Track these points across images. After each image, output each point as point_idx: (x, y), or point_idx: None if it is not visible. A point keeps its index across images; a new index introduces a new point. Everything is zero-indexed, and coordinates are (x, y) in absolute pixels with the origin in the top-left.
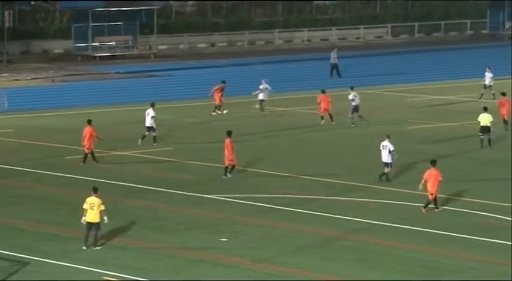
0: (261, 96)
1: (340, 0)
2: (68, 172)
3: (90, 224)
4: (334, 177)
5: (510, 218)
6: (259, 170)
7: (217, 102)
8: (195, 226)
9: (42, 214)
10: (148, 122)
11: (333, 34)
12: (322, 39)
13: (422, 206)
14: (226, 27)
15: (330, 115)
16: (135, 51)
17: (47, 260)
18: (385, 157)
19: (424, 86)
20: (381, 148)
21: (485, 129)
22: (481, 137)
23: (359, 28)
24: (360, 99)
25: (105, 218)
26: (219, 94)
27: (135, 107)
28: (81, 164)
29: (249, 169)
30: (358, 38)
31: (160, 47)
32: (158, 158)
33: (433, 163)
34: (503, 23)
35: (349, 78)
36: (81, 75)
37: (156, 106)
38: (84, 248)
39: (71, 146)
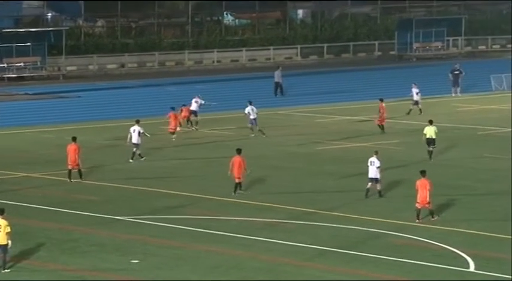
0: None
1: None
2: None
3: None
4: (246, 198)
5: (421, 238)
6: (172, 191)
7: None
8: (106, 248)
9: None
10: (135, 138)
11: (243, 55)
12: (232, 60)
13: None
14: (136, 48)
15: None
16: (44, 72)
17: None
18: (373, 173)
19: (333, 107)
20: (369, 163)
21: (431, 141)
22: (428, 149)
23: (269, 49)
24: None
25: (9, 242)
26: (187, 114)
27: (44, 129)
28: (79, 180)
29: (162, 190)
30: (268, 58)
31: (70, 68)
32: (66, 179)
33: (423, 173)
34: (410, 44)
35: (258, 99)
36: None
37: (63, 128)
38: None
39: None
